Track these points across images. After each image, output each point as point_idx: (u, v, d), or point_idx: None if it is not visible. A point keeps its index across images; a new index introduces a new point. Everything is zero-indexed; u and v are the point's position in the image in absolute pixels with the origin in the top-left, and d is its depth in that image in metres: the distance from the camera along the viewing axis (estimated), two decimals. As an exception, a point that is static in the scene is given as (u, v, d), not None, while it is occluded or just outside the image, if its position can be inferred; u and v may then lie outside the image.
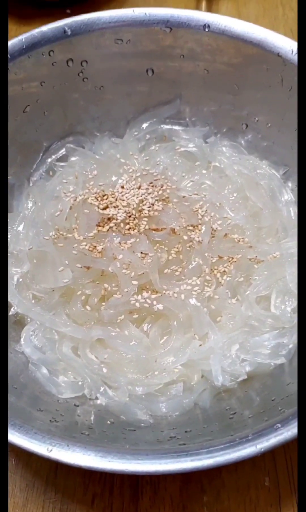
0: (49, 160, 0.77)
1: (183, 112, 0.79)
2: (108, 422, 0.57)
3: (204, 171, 0.76)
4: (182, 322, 0.62)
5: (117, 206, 0.66)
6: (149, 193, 0.67)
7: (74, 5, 1.01)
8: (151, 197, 0.67)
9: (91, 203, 0.67)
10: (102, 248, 0.63)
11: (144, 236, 0.64)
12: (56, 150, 0.78)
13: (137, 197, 0.67)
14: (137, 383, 0.59)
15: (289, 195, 0.73)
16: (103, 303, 0.62)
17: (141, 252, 0.63)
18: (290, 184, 0.74)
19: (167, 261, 0.64)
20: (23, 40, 0.67)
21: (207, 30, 0.69)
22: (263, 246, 0.68)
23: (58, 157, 0.78)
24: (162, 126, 0.79)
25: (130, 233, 0.64)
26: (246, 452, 0.45)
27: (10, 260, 0.66)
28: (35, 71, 0.69)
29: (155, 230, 0.65)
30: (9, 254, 0.66)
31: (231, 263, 0.65)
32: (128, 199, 0.67)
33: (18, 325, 0.64)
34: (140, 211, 0.66)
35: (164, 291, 0.62)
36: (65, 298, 0.64)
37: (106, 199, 0.67)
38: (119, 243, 0.64)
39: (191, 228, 0.66)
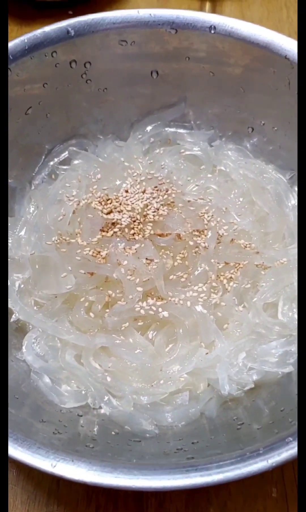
0: (52, 163, 0.76)
1: (188, 115, 0.78)
2: (113, 433, 0.55)
3: (209, 175, 0.75)
4: (187, 330, 0.60)
5: (122, 211, 0.65)
6: (154, 198, 0.66)
7: (76, 6, 1.00)
8: (156, 202, 0.66)
9: (95, 208, 0.66)
10: (106, 254, 0.62)
11: (149, 242, 0.63)
12: (59, 153, 0.76)
13: (142, 202, 0.66)
14: (142, 392, 0.58)
15: (296, 200, 0.72)
16: (107, 310, 0.61)
17: (146, 258, 0.62)
18: (296, 189, 0.73)
19: (172, 267, 0.63)
20: (26, 40, 0.66)
21: (213, 32, 0.68)
22: (270, 252, 0.67)
23: (60, 160, 0.76)
24: (166, 129, 0.78)
25: (135, 239, 0.63)
26: (257, 467, 0.44)
27: (12, 266, 0.64)
28: (37, 73, 0.68)
29: (160, 235, 0.64)
30: (10, 260, 0.64)
31: (237, 269, 0.64)
32: (132, 203, 0.66)
33: (20, 332, 0.63)
34: (145, 215, 0.65)
35: (169, 298, 0.61)
36: (68, 305, 0.63)
37: (110, 203, 0.66)
38: (124, 248, 0.62)
39: (196, 233, 0.65)
